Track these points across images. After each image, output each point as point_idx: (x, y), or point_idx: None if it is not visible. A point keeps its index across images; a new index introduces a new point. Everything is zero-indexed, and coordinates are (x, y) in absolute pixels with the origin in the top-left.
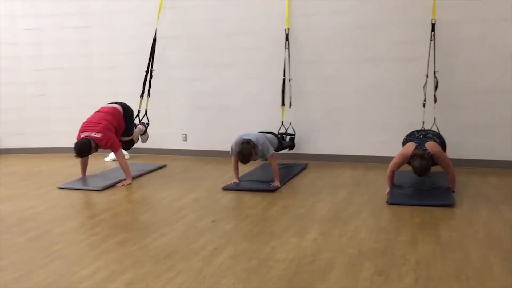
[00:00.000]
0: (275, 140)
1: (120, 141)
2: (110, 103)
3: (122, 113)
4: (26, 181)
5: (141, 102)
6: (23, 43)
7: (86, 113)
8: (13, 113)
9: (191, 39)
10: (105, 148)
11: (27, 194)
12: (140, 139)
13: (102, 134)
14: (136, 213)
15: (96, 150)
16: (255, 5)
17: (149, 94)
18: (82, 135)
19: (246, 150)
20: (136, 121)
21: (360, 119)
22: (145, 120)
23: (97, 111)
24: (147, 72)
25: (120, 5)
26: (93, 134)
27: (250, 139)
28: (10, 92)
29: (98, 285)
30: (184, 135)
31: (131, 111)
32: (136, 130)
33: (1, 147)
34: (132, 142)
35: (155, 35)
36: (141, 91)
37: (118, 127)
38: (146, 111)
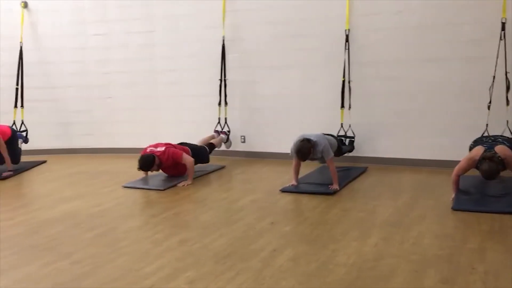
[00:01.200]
0: (335, 143)
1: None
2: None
3: (190, 153)
4: (94, 179)
5: (219, 110)
6: (92, 48)
7: (150, 114)
8: (82, 114)
9: (250, 42)
10: (167, 163)
11: (95, 192)
12: (225, 146)
13: (164, 148)
14: (197, 213)
15: (158, 169)
16: (315, 6)
17: (226, 103)
18: (148, 150)
19: (304, 148)
20: (218, 128)
21: (423, 121)
22: (224, 128)
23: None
24: (221, 80)
25: (182, 10)
26: (157, 149)
27: (310, 138)
28: (79, 95)
29: (162, 282)
30: (242, 137)
31: (196, 148)
32: (217, 140)
33: (72, 147)
34: (212, 149)
35: (224, 42)
36: (218, 100)
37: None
38: (226, 120)
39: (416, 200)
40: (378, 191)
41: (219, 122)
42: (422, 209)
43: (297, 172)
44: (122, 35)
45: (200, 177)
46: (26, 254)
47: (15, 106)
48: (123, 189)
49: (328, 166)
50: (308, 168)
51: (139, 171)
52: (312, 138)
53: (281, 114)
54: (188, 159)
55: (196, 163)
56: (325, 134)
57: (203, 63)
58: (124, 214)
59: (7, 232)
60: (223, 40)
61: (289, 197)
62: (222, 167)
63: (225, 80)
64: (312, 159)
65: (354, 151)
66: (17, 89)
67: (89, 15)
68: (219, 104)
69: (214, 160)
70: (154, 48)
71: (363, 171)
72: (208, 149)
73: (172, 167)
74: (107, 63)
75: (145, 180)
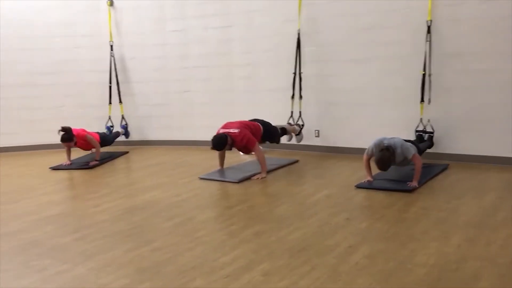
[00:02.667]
0: (414, 147)
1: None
2: (251, 120)
3: (262, 129)
4: (172, 170)
5: (292, 103)
6: (171, 44)
7: (225, 108)
8: (161, 108)
9: (326, 35)
10: (241, 145)
11: (173, 182)
12: (295, 139)
13: (239, 130)
14: (271, 206)
15: (231, 148)
16: None
17: (300, 96)
18: (221, 131)
19: (385, 159)
20: (291, 121)
21: (510, 117)
22: (297, 122)
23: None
24: (295, 74)
25: (258, 5)
26: (230, 131)
27: (389, 145)
28: (159, 89)
29: (237, 272)
30: (316, 131)
31: (268, 125)
32: (290, 128)
33: (151, 139)
34: (283, 133)
35: (299, 36)
36: (291, 93)
37: (254, 133)
38: (300, 114)
39: (503, 201)
40: (460, 189)
41: (291, 116)
42: (510, 210)
43: (369, 167)
44: (200, 31)
45: (274, 170)
46: (111, 239)
47: (110, 102)
48: (200, 181)
49: (414, 163)
50: None
51: (213, 162)
52: (389, 142)
53: (357, 108)
54: (259, 150)
55: (265, 140)
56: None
57: (278, 57)
58: (200, 204)
59: (95, 218)
60: (299, 34)
61: (364, 193)
62: (296, 162)
63: (300, 74)
64: (393, 165)
65: (433, 147)
66: (110, 86)
67: (169, 12)
68: (292, 97)
69: (287, 155)
70: (231, 43)
71: (444, 168)
72: (279, 131)
73: (244, 148)
74: (185, 59)
75: (220, 172)
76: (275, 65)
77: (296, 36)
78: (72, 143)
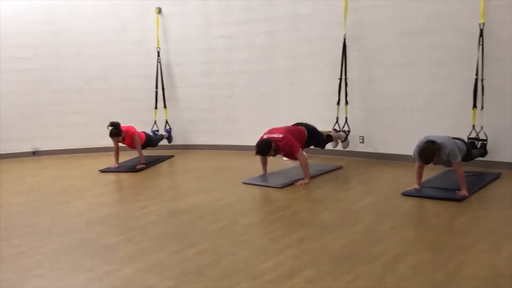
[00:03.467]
0: (464, 147)
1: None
2: (295, 124)
3: (306, 134)
4: (216, 175)
5: (338, 110)
6: (216, 49)
7: (269, 113)
8: (205, 113)
9: (372, 39)
10: (284, 151)
11: (217, 187)
12: (341, 145)
13: (283, 136)
14: (315, 212)
15: (275, 154)
16: (444, 0)
17: (346, 102)
18: (265, 137)
19: (428, 150)
20: (336, 127)
21: None
22: (343, 128)
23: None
24: (340, 79)
25: (303, 10)
26: (274, 135)
27: (435, 140)
28: (203, 94)
29: (280, 278)
30: (361, 137)
31: (313, 129)
32: (335, 134)
33: (195, 143)
34: (329, 141)
35: (345, 41)
36: (337, 99)
37: (298, 137)
38: (346, 119)
39: None
40: None
41: (337, 122)
42: None
43: (420, 175)
44: (245, 36)
45: (317, 176)
46: (157, 241)
47: (156, 107)
48: (243, 185)
49: (456, 170)
50: (432, 171)
51: (256, 167)
52: (437, 140)
53: (404, 114)
54: (302, 156)
55: (309, 144)
56: (453, 138)
57: (322, 62)
58: (244, 209)
59: (141, 220)
60: (344, 39)
61: (411, 201)
62: (340, 168)
63: (345, 79)
64: (436, 163)
65: (486, 155)
66: (156, 91)
67: (215, 18)
68: (338, 103)
69: (331, 160)
70: (275, 49)
71: (496, 177)
72: (324, 137)
73: (289, 154)
74: (230, 64)
75: (263, 177)
76: (320, 70)
77: (342, 41)
78: (120, 138)
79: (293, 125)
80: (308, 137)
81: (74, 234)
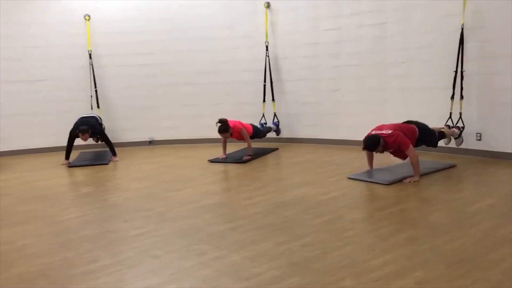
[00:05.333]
0: None
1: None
2: (405, 122)
3: (417, 132)
4: (321, 168)
5: (452, 104)
6: (324, 43)
7: (377, 108)
8: (311, 106)
9: (493, 29)
10: (394, 147)
11: (321, 180)
12: (454, 142)
13: (392, 131)
14: (425, 212)
15: (383, 151)
16: None
17: (461, 97)
18: (373, 132)
19: None
20: (449, 123)
21: None
22: (457, 124)
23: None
24: (456, 72)
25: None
26: (383, 131)
27: None
28: (309, 87)
29: (389, 277)
30: (478, 134)
31: (424, 128)
32: (449, 131)
33: (299, 137)
34: (441, 137)
35: (462, 31)
36: (451, 93)
37: (409, 135)
38: (460, 115)
39: None
40: None
41: (450, 117)
42: None
43: None
44: (354, 28)
45: (427, 174)
46: (263, 231)
47: (264, 100)
48: (348, 180)
49: None
50: None
51: (362, 162)
52: None
53: None
54: (413, 152)
55: (421, 144)
56: None
57: (436, 54)
58: (349, 204)
59: (248, 210)
60: (462, 29)
61: None
62: (453, 166)
63: (461, 72)
64: None
65: None
66: (264, 85)
67: (323, 11)
68: (452, 97)
69: (443, 158)
70: (386, 40)
71: None
72: (437, 135)
73: (398, 152)
74: (337, 57)
75: (369, 173)
76: (433, 62)
77: (459, 31)
78: (228, 134)
79: (403, 123)
80: (419, 136)
81: (186, 220)
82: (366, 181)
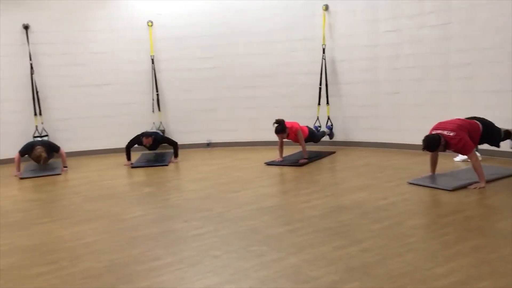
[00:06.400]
0: None
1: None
2: (468, 118)
3: (481, 129)
4: (379, 173)
5: None
6: (382, 45)
7: (439, 111)
8: (368, 109)
9: None
10: (455, 150)
11: (379, 185)
12: None
13: (455, 133)
14: (491, 219)
15: (444, 150)
16: None
17: None
18: (434, 132)
19: None
20: None
21: None
22: None
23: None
24: None
25: None
26: (445, 132)
27: None
28: (367, 90)
29: (454, 286)
30: None
31: (489, 125)
32: None
33: (357, 140)
34: (507, 137)
35: None
36: None
37: (472, 134)
38: None
39: None
40: None
41: None
42: None
43: None
44: (415, 30)
45: (494, 181)
46: (321, 235)
47: (318, 103)
48: (408, 185)
49: None
50: None
51: (422, 167)
52: None
53: None
54: (475, 157)
55: (483, 142)
56: None
57: (504, 54)
58: (409, 210)
59: (305, 213)
60: None
61: None
62: None
63: None
64: None
65: None
66: (320, 88)
67: (382, 12)
68: None
69: (508, 163)
70: (449, 42)
71: None
72: (502, 134)
73: (460, 150)
74: (397, 59)
75: (431, 178)
76: (500, 63)
77: None
78: (285, 135)
79: (466, 118)
80: (483, 133)
81: (244, 221)
82: (428, 186)
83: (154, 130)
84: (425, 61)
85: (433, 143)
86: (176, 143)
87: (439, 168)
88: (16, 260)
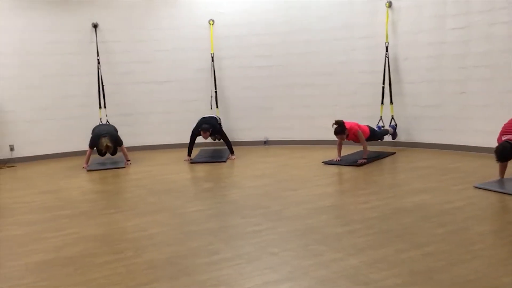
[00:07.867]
0: None
1: None
2: None
3: None
4: (443, 176)
5: None
6: (449, 42)
7: (509, 112)
8: (432, 109)
9: None
10: None
11: (444, 188)
12: None
13: None
14: None
15: None
16: None
17: None
18: (504, 138)
19: None
20: None
21: None
22: None
23: None
24: None
25: None
26: None
27: None
28: (431, 89)
29: None
30: None
31: None
32: None
33: (419, 141)
34: None
35: None
36: None
37: None
38: None
39: None
40: None
41: None
42: None
43: None
44: (485, 27)
45: None
46: (381, 237)
47: (382, 103)
48: (475, 190)
49: None
50: None
51: (491, 171)
52: None
53: None
54: None
55: None
56: None
57: None
58: (476, 215)
59: (364, 214)
60: None
61: None
62: None
63: None
64: None
65: None
66: (383, 87)
67: (450, 8)
68: None
69: None
70: None
71: None
72: None
73: None
74: (464, 58)
75: (500, 182)
76: None
77: None
78: (344, 136)
79: None
80: None
81: (302, 220)
82: (497, 191)
83: (211, 115)
84: (496, 60)
85: (508, 154)
86: (229, 140)
87: (509, 172)
88: (85, 248)
